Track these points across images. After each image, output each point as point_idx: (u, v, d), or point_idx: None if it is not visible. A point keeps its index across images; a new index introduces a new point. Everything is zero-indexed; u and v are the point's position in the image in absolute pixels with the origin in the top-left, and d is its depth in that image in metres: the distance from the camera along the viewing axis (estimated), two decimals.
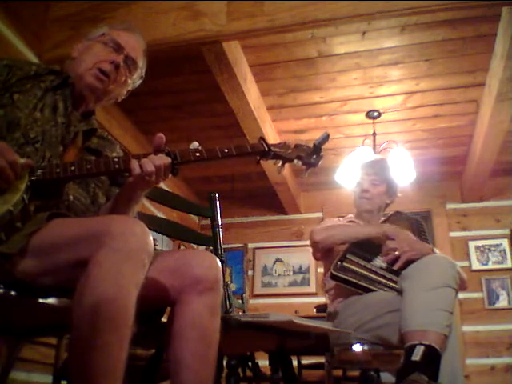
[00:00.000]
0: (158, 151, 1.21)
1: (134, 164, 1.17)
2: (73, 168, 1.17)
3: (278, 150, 1.32)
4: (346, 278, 1.94)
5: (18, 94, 1.30)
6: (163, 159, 1.19)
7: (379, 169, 2.27)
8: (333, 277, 1.97)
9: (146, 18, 2.58)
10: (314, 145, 1.35)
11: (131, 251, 0.98)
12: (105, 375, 0.91)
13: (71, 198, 1.30)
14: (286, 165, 1.35)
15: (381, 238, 2.04)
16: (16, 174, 1.10)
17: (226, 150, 1.26)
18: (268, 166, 3.95)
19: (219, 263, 1.24)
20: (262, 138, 1.32)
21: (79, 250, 1.02)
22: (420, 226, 2.18)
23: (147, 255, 1.02)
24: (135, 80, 1.51)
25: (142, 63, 1.51)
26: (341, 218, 2.36)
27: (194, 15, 2.53)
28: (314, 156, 1.34)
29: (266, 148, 1.30)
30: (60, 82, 1.40)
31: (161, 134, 1.22)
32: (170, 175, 1.23)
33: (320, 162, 1.36)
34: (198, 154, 1.24)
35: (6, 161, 1.08)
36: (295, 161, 1.34)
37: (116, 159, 1.20)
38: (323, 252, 2.14)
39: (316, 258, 2.24)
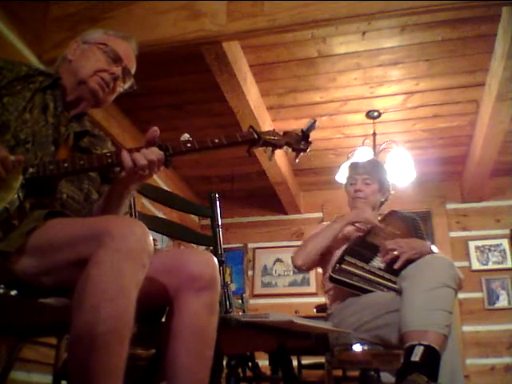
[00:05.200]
0: (151, 144, 1.22)
1: (126, 158, 1.18)
2: (66, 165, 1.18)
3: (267, 137, 1.35)
4: (345, 280, 1.94)
5: (7, 97, 1.30)
6: (156, 154, 1.20)
7: (370, 168, 2.28)
8: (331, 279, 1.96)
9: (146, 18, 2.58)
10: (302, 131, 1.40)
11: (131, 251, 0.98)
12: (105, 375, 0.91)
13: (65, 196, 1.30)
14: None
15: (377, 236, 2.06)
16: (7, 170, 1.10)
17: (217, 140, 1.29)
18: (268, 165, 3.95)
19: (216, 261, 1.24)
20: (252, 127, 1.34)
21: (79, 250, 1.01)
22: (416, 224, 2.18)
23: (147, 255, 1.01)
24: (125, 87, 1.52)
25: (134, 71, 1.52)
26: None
27: (193, 15, 2.53)
28: (303, 142, 1.39)
29: (256, 136, 1.32)
30: (50, 82, 1.40)
31: (155, 128, 1.22)
32: (163, 168, 1.25)
33: (309, 148, 1.41)
34: (189, 145, 1.26)
35: None
36: (285, 147, 1.38)
37: (109, 153, 1.22)
38: (313, 266, 2.18)
39: (310, 270, 2.30)
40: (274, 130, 1.39)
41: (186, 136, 1.30)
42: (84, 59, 1.43)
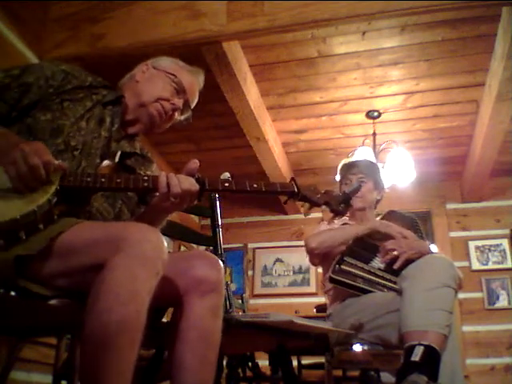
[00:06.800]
0: (189, 176, 1.22)
1: (162, 182, 1.18)
2: (103, 180, 1.18)
3: (307, 192, 1.33)
4: (345, 280, 1.94)
5: (68, 102, 1.33)
6: (192, 185, 1.20)
7: (364, 167, 2.29)
8: (332, 280, 1.96)
9: (146, 17, 2.58)
10: (345, 193, 1.38)
11: (146, 258, 0.99)
12: (113, 377, 0.92)
13: (94, 209, 1.31)
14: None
15: (375, 236, 2.05)
16: (48, 174, 1.11)
17: (255, 185, 1.28)
18: (268, 166, 3.95)
19: (221, 264, 1.25)
20: (294, 179, 1.34)
21: (96, 254, 1.02)
22: (415, 224, 2.18)
23: (161, 263, 1.03)
24: (181, 118, 1.54)
25: (194, 105, 1.54)
26: (335, 220, 2.36)
27: (193, 15, 2.53)
28: (343, 205, 1.36)
29: (296, 190, 1.31)
30: (113, 98, 1.42)
31: (196, 160, 1.23)
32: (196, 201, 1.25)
33: (348, 211, 1.38)
34: (226, 185, 1.26)
35: (40, 160, 1.09)
36: (323, 206, 1.35)
37: (146, 177, 1.22)
38: (320, 257, 2.14)
39: (314, 264, 2.24)
40: (315, 186, 1.37)
41: (226, 175, 1.30)
42: (150, 84, 1.46)
